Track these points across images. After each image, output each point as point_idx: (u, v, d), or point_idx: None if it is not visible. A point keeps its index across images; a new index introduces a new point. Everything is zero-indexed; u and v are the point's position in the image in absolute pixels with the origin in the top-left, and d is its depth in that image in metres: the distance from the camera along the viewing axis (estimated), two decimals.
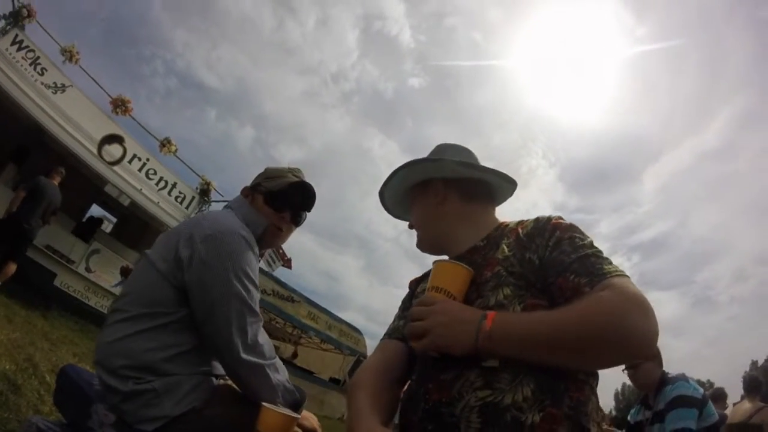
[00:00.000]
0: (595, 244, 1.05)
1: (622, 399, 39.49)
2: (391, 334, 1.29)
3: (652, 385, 2.90)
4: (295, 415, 1.16)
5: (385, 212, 1.44)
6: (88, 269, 9.21)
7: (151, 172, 9.81)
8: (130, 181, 9.33)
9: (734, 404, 4.90)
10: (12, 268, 6.05)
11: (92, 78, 8.86)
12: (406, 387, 1.18)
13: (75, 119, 8.30)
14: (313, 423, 1.48)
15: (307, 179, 1.72)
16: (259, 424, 1.09)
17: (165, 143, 10.10)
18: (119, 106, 9.11)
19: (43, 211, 6.20)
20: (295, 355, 16.77)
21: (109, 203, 11.96)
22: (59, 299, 7.41)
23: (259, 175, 1.70)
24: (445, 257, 1.28)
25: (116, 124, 9.16)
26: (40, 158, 8.36)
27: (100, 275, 9.21)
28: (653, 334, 0.89)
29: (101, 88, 9.08)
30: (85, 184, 9.36)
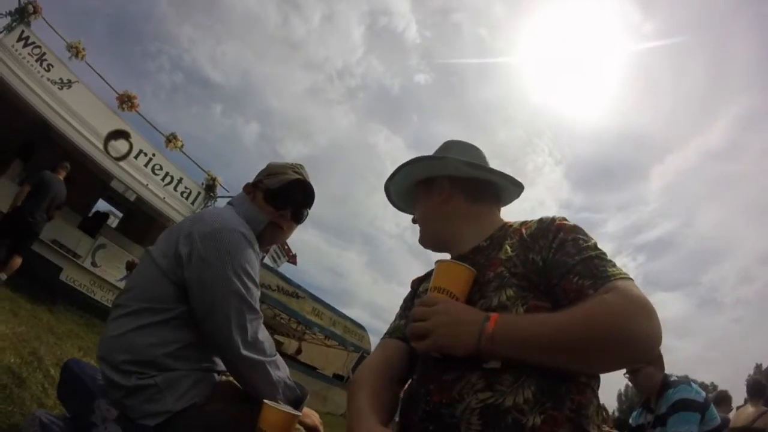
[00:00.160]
0: (601, 243, 1.05)
1: (625, 400, 39.29)
2: (392, 333, 1.28)
3: (654, 389, 2.88)
4: (296, 412, 1.16)
5: (390, 208, 1.44)
6: (93, 264, 9.24)
7: (157, 167, 9.82)
8: (136, 176, 9.34)
9: (737, 408, 4.87)
10: (17, 261, 6.08)
11: (98, 74, 8.86)
12: (406, 386, 1.18)
13: (81, 115, 8.31)
14: (315, 420, 1.48)
15: (312, 175, 1.72)
16: (261, 421, 1.09)
17: (171, 139, 10.10)
18: (125, 101, 9.11)
19: (48, 205, 6.22)
20: (299, 351, 16.80)
21: (115, 198, 12.02)
22: (65, 293, 7.46)
23: (261, 172, 1.70)
24: (447, 255, 1.27)
25: (122, 120, 9.16)
26: (47, 154, 8.38)
27: (106, 270, 9.24)
28: (656, 338, 0.88)
29: (107, 84, 9.09)
30: (92, 179, 9.40)
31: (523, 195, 1.32)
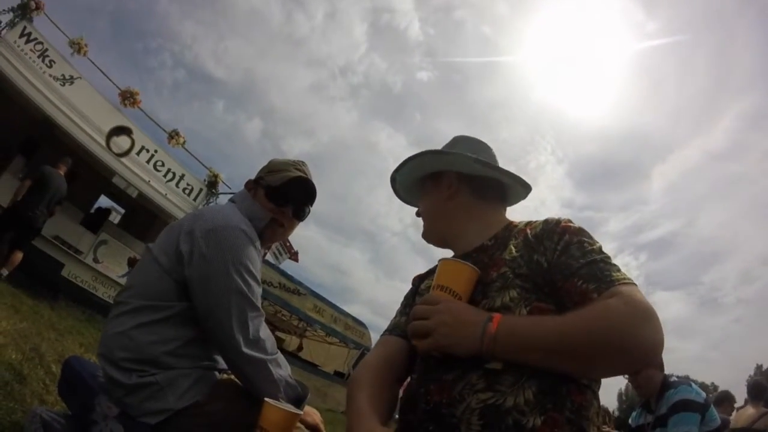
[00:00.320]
0: (603, 242, 1.05)
1: (626, 400, 39.34)
2: (392, 330, 1.28)
3: (654, 390, 2.88)
4: (298, 411, 1.16)
5: (392, 205, 1.47)
6: (95, 260, 9.25)
7: (159, 163, 9.83)
8: (138, 172, 9.34)
9: (737, 409, 4.87)
10: (18, 256, 6.08)
11: (101, 70, 8.87)
12: (406, 385, 1.18)
13: (83, 111, 8.31)
14: (316, 419, 1.47)
15: (315, 172, 1.71)
16: (262, 419, 1.09)
17: (173, 135, 10.11)
18: (128, 98, 9.11)
19: (49, 200, 6.21)
20: (300, 347, 16.86)
21: (117, 195, 12.00)
22: (67, 289, 7.46)
23: (263, 169, 1.70)
24: (450, 252, 1.27)
25: (124, 116, 9.16)
26: (49, 150, 8.39)
27: (108, 266, 9.24)
28: (659, 344, 0.88)
29: (110, 80, 9.09)
30: (94, 175, 9.40)
31: None
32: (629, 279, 0.95)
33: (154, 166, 9.74)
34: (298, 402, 1.41)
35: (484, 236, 1.19)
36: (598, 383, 0.99)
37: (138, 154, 9.39)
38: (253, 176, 1.70)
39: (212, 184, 10.96)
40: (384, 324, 1.32)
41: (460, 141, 1.33)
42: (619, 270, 0.98)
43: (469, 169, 1.24)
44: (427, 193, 1.32)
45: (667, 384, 2.83)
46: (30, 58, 7.63)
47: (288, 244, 13.43)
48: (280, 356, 1.43)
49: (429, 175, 1.31)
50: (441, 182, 1.27)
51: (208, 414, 1.30)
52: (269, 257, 12.69)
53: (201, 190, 10.76)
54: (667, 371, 2.93)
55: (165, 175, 9.97)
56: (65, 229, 8.85)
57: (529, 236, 1.09)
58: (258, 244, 1.46)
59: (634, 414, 3.25)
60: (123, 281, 8.30)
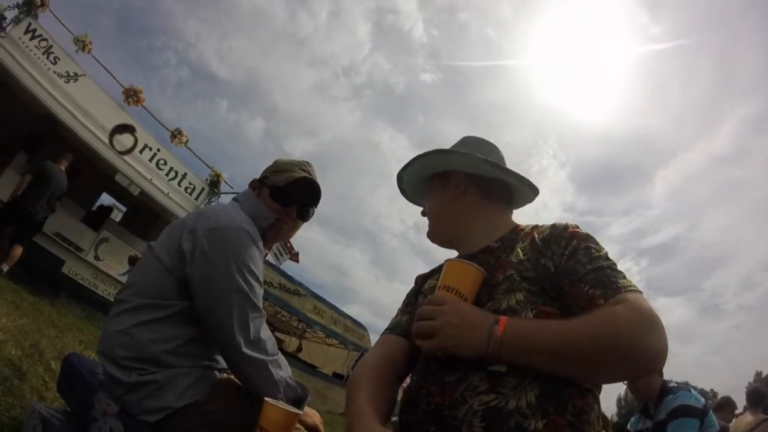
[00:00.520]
0: (605, 246, 1.05)
1: (625, 405, 39.27)
2: (393, 329, 1.27)
3: (652, 395, 2.88)
4: (297, 410, 1.15)
5: (394, 206, 1.47)
6: (96, 257, 9.26)
7: (162, 162, 9.84)
8: (141, 170, 9.35)
9: (736, 416, 4.86)
10: (18, 251, 6.05)
11: (105, 68, 8.89)
12: (406, 386, 1.17)
13: (87, 108, 8.33)
14: (315, 419, 1.47)
15: (317, 172, 1.70)
16: (261, 419, 1.09)
17: (176, 134, 10.12)
18: (131, 96, 9.13)
19: (49, 195, 6.18)
20: (299, 348, 16.84)
21: (119, 192, 12.01)
22: (67, 286, 7.48)
23: (268, 168, 1.69)
24: (455, 252, 1.26)
25: (128, 114, 9.18)
26: (52, 147, 8.39)
27: (109, 264, 9.26)
28: (663, 352, 0.89)
29: (114, 77, 9.11)
30: (96, 173, 9.41)
31: None
32: (635, 286, 0.96)
33: (157, 164, 9.76)
34: (298, 403, 1.41)
35: (490, 238, 1.19)
36: (599, 387, 0.99)
37: (141, 152, 9.41)
38: (255, 176, 1.69)
39: (214, 183, 10.98)
40: (384, 325, 1.32)
41: (468, 141, 1.33)
42: (625, 277, 0.98)
43: (478, 170, 1.23)
44: (433, 193, 1.32)
45: (666, 389, 2.82)
46: (34, 54, 7.65)
47: (289, 244, 13.45)
48: (280, 357, 1.43)
49: (437, 174, 1.30)
50: (449, 182, 1.27)
51: (208, 413, 1.29)
52: (270, 258, 12.70)
53: (203, 189, 10.78)
54: (666, 376, 2.92)
55: (167, 174, 9.99)
56: (66, 226, 8.86)
57: (537, 240, 1.09)
58: (260, 244, 1.45)
59: (632, 419, 3.25)
60: (124, 279, 8.31)
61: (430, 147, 1.29)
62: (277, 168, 1.66)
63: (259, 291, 1.40)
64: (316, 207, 1.70)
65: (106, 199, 12.94)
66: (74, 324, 5.24)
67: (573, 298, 0.98)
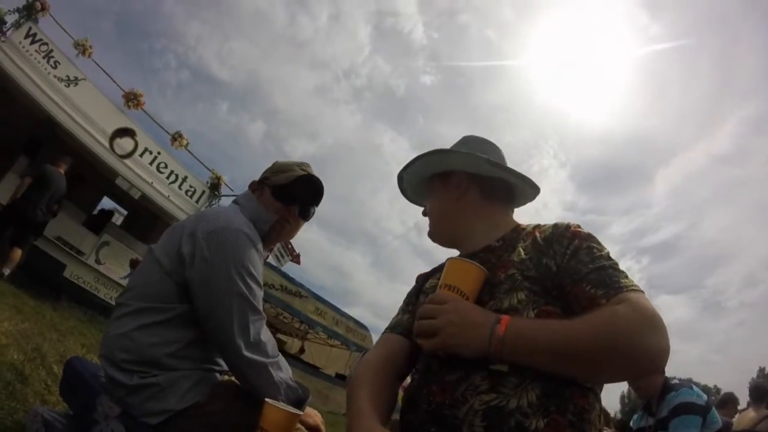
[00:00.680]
0: (606, 245, 1.05)
1: (628, 402, 39.24)
2: (394, 328, 1.27)
3: (654, 393, 2.88)
4: (298, 411, 1.15)
5: (394, 208, 1.47)
6: (98, 261, 9.26)
7: (162, 165, 9.86)
8: (141, 174, 9.38)
9: (739, 412, 4.85)
10: (17, 254, 6.05)
11: (105, 72, 8.91)
12: (406, 385, 1.17)
13: (87, 112, 8.35)
14: (317, 420, 1.47)
15: (317, 174, 1.70)
16: (262, 420, 1.09)
17: (176, 137, 10.14)
18: (131, 99, 9.15)
19: (49, 198, 6.19)
20: (302, 350, 16.83)
21: (120, 196, 12.04)
22: (69, 290, 7.46)
23: (267, 170, 1.69)
24: (456, 252, 1.26)
25: (128, 118, 9.20)
26: (52, 151, 8.41)
27: (110, 267, 9.26)
28: (665, 352, 0.89)
29: (114, 81, 9.13)
30: (97, 176, 9.43)
31: None
32: (637, 286, 0.96)
33: (157, 167, 9.78)
34: (299, 404, 1.40)
35: (491, 237, 1.19)
36: (600, 386, 0.99)
37: (141, 155, 9.42)
38: (255, 178, 1.69)
39: (215, 186, 11.00)
40: (385, 326, 1.32)
41: (469, 141, 1.33)
42: (626, 276, 0.98)
43: (479, 170, 1.23)
44: (435, 193, 1.32)
45: (668, 386, 2.82)
46: (35, 58, 7.67)
47: (290, 246, 13.42)
48: (281, 359, 1.42)
49: (437, 174, 1.30)
50: (450, 181, 1.27)
51: (209, 414, 1.29)
52: (271, 259, 12.68)
53: (203, 192, 10.80)
54: (669, 374, 2.92)
55: (168, 177, 10.01)
56: (68, 230, 8.88)
57: (539, 239, 1.09)
58: (260, 246, 1.45)
59: (635, 416, 3.25)
60: (125, 283, 8.30)
61: (431, 148, 1.28)
62: (277, 169, 1.67)
63: (259, 293, 1.40)
64: (317, 205, 1.70)
65: (107, 202, 12.99)
66: (76, 328, 5.25)
67: (575, 297, 0.98)
